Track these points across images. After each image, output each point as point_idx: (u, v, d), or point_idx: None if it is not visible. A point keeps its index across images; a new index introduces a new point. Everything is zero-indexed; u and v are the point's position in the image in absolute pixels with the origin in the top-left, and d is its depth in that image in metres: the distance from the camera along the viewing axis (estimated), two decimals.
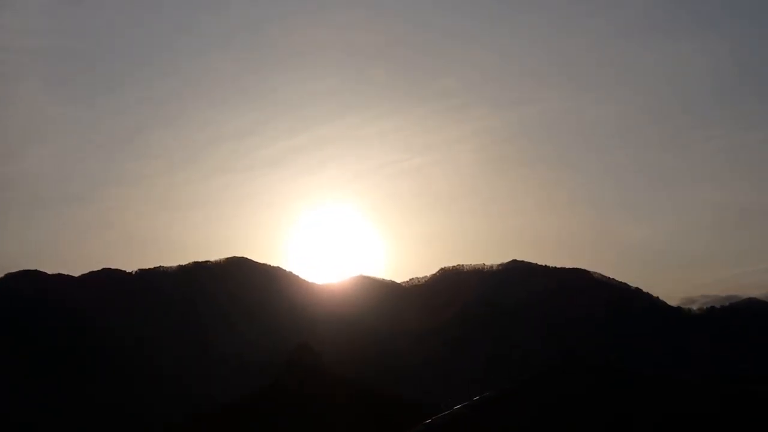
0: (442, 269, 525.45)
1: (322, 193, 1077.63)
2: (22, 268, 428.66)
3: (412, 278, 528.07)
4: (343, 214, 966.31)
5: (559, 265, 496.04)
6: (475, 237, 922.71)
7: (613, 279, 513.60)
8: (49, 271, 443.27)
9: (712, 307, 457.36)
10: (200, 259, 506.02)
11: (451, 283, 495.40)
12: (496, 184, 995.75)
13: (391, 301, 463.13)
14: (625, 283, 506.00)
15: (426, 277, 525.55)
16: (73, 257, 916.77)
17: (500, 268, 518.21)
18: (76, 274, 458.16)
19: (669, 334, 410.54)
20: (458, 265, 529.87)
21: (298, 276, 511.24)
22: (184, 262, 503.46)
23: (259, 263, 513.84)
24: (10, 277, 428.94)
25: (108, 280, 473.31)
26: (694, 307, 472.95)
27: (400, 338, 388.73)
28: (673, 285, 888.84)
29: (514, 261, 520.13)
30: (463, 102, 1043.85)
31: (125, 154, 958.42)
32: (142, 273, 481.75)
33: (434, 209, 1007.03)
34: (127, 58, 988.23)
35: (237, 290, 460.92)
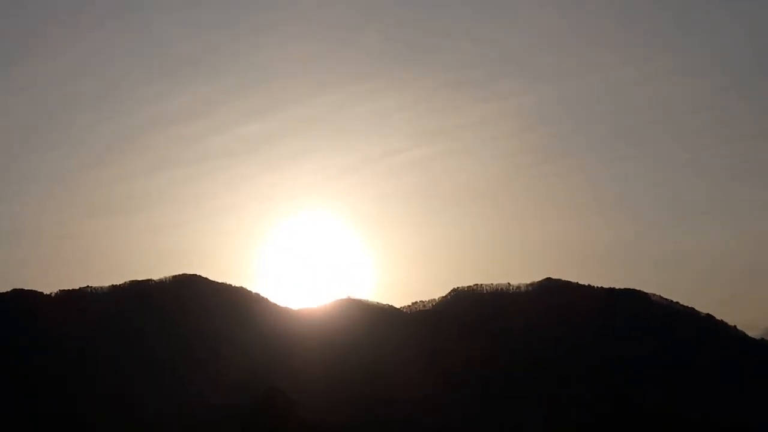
0: (454, 290, 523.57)
1: (298, 194, 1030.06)
2: None
3: (416, 302, 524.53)
4: (325, 222, 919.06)
5: (605, 284, 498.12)
6: (497, 249, 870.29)
7: (677, 303, 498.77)
8: None
9: None
10: (139, 278, 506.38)
11: (467, 308, 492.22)
12: (526, 181, 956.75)
13: (387, 330, 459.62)
14: (692, 308, 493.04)
15: (434, 300, 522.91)
16: None
17: (531, 288, 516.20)
18: None
19: (749, 371, 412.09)
20: (475, 285, 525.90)
21: (267, 299, 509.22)
22: (118, 281, 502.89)
23: (217, 283, 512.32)
24: None
25: (21, 303, 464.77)
26: None
27: (397, 378, 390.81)
28: (755, 311, 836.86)
29: (549, 279, 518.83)
30: (485, 73, 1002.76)
31: (30, 145, 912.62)
32: (65, 295, 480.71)
33: (444, 215, 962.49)
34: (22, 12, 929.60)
35: (189, 317, 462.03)
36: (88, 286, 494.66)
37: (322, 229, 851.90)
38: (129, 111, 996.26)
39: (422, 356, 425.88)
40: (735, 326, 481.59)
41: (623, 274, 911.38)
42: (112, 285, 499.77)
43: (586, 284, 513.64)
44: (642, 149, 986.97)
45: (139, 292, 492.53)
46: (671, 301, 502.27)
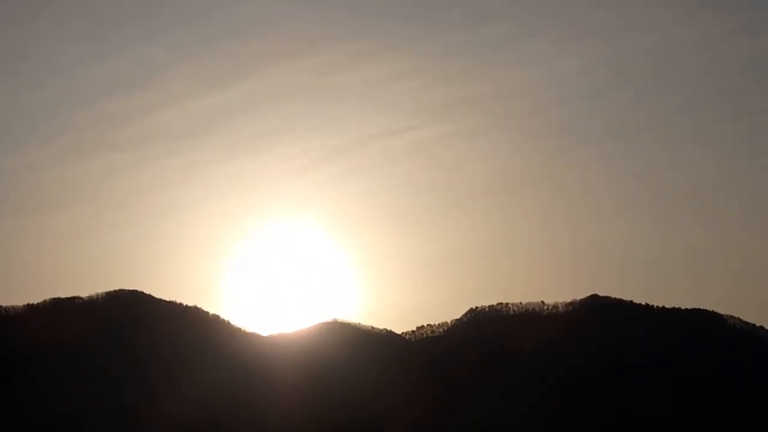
0: (471, 311, 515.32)
1: (270, 187, 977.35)
2: None
3: (422, 326, 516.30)
4: (304, 223, 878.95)
5: (668, 304, 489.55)
6: (526, 258, 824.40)
7: (761, 328, 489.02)
8: None
9: None
10: (62, 294, 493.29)
11: (488, 334, 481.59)
12: (562, 171, 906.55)
13: (382, 362, 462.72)
14: None
15: (446, 324, 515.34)
16: None
17: (571, 308, 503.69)
18: None
19: None
20: (499, 304, 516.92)
21: (229, 322, 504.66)
22: (35, 299, 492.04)
23: (164, 301, 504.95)
24: None
25: None
26: None
27: (394, 427, 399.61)
28: None
29: (595, 297, 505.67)
30: (509, 30, 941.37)
31: None
32: None
33: (457, 214, 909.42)
34: None
35: (128, 345, 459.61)
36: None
37: (300, 233, 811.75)
38: (45, 79, 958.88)
39: (429, 396, 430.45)
40: None
41: (691, 290, 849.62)
42: (27, 304, 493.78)
43: (643, 303, 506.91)
44: (719, 131, 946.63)
45: (63, 313, 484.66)
46: (754, 325, 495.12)
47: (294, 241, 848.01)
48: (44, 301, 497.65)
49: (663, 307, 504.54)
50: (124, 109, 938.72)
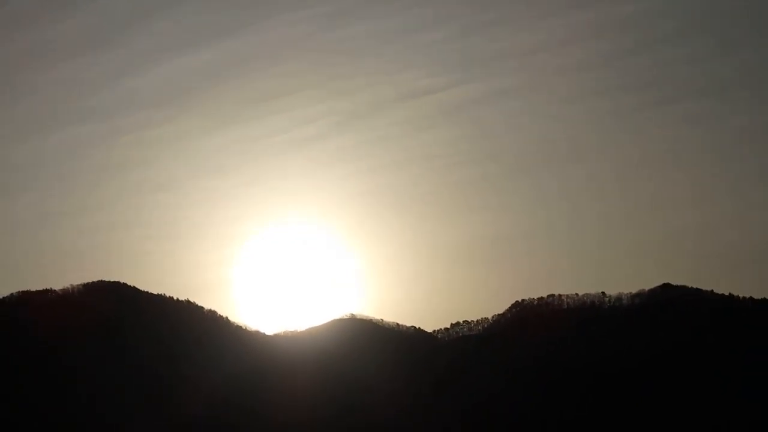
0: (517, 305, 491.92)
1: (270, 165, 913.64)
2: None
3: (457, 323, 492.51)
4: (315, 200, 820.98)
5: (749, 292, 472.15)
6: (582, 243, 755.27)
7: None
8: None
9: None
10: (33, 287, 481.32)
11: (538, 331, 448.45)
12: (620, 137, 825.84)
13: (408, 366, 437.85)
14: None
15: (486, 320, 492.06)
16: None
17: (638, 300, 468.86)
18: None
19: None
20: (550, 296, 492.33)
21: (227, 318, 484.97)
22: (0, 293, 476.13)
23: (151, 294, 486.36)
24: None
25: None
26: None
27: None
28: None
29: (667, 287, 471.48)
30: None
31: None
32: None
33: (496, 191, 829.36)
34: None
35: (110, 343, 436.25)
36: None
37: (307, 219, 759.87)
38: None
39: (463, 404, 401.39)
40: None
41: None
42: None
43: (727, 294, 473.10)
44: None
45: (33, 308, 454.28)
46: None
47: (299, 228, 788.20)
48: (10, 294, 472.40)
49: (751, 297, 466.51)
50: (91, 73, 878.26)
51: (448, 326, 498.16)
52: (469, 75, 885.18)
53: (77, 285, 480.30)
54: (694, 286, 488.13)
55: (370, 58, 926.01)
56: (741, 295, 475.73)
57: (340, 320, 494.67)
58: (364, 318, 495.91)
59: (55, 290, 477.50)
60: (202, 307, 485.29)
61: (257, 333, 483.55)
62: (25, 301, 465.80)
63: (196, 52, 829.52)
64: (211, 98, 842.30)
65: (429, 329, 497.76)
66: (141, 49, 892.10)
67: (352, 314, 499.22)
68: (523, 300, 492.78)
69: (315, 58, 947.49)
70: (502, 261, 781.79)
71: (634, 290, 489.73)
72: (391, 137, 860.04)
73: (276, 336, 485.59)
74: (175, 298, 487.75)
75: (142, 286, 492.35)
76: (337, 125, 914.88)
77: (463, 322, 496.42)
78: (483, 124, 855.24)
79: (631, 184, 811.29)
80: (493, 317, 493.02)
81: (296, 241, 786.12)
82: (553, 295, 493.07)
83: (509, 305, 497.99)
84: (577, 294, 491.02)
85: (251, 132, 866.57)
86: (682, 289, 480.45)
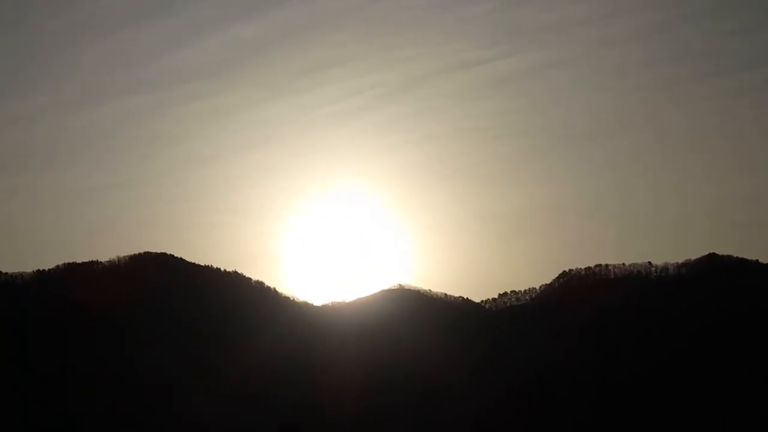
0: (564, 275, 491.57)
1: (316, 136, 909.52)
2: None
3: (505, 293, 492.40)
4: (361, 179, 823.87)
5: None
6: (627, 213, 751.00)
7: None
8: None
9: None
10: (78, 259, 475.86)
11: (584, 300, 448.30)
12: (670, 109, 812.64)
13: (455, 335, 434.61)
14: None
15: (533, 290, 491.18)
16: None
17: (684, 270, 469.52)
18: None
19: None
20: (597, 266, 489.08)
21: (275, 290, 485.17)
22: (46, 265, 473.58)
23: (198, 266, 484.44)
24: None
25: None
26: None
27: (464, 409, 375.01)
28: None
29: (713, 256, 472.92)
30: None
31: None
32: None
33: (545, 162, 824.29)
34: None
35: (157, 314, 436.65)
36: (0, 272, 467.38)
37: (356, 191, 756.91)
38: (44, 13, 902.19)
39: (515, 374, 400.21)
40: None
41: None
42: (37, 270, 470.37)
43: None
44: None
45: (79, 280, 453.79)
46: None
47: (347, 199, 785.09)
48: (57, 266, 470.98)
49: None
50: (140, 45, 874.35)
51: (496, 296, 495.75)
52: (517, 47, 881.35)
53: (123, 257, 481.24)
54: (740, 256, 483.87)
55: (418, 29, 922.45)
56: None
57: (389, 291, 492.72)
58: (412, 288, 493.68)
59: (101, 262, 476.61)
60: (249, 278, 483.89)
61: (305, 304, 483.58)
62: (71, 272, 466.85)
63: (245, 23, 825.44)
64: (259, 70, 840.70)
65: (477, 300, 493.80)
66: (190, 21, 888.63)
67: (400, 285, 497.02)
68: (570, 270, 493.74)
69: (364, 29, 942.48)
70: (549, 231, 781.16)
71: (680, 260, 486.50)
72: (439, 109, 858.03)
73: (324, 307, 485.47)
74: (222, 269, 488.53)
75: (190, 259, 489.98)
76: (386, 96, 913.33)
77: (511, 292, 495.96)
78: (531, 96, 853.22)
79: (678, 155, 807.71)
80: (540, 287, 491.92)
81: (344, 213, 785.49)
82: (600, 265, 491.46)
83: (556, 275, 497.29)
84: (623, 264, 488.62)
85: (299, 103, 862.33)
86: (728, 259, 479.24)
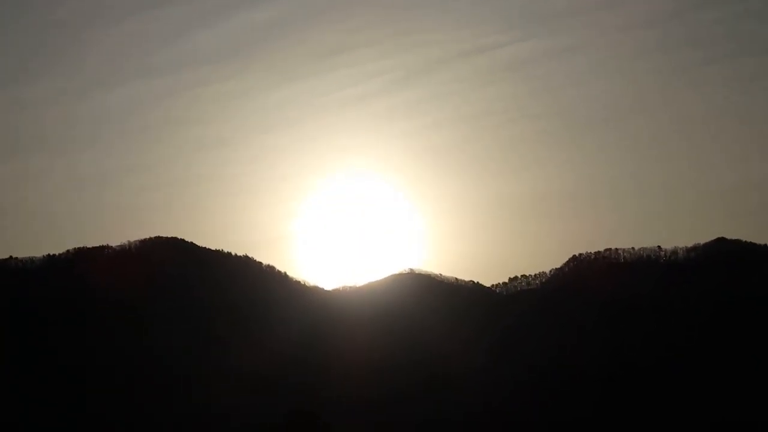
0: (574, 259, 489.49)
1: (331, 120, 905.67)
2: None
3: (515, 277, 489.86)
4: (373, 157, 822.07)
5: None
6: (637, 198, 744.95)
7: None
8: None
9: None
10: (88, 244, 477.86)
11: (594, 285, 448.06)
12: (681, 93, 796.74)
13: (466, 319, 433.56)
14: None
15: (543, 274, 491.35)
16: None
17: (693, 254, 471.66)
18: None
19: None
20: (607, 250, 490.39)
21: (285, 274, 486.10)
22: (56, 250, 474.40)
23: (209, 250, 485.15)
24: None
25: None
26: None
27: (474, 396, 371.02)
28: None
29: (721, 241, 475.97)
30: None
31: None
32: None
33: (557, 147, 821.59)
34: None
35: (167, 299, 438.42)
36: (10, 257, 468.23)
37: (369, 174, 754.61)
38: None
39: (527, 358, 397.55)
40: None
41: None
42: (48, 255, 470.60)
43: None
44: None
45: (90, 265, 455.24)
46: None
47: (358, 183, 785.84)
48: (67, 251, 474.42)
49: None
50: (155, 28, 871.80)
51: (506, 281, 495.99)
52: (532, 32, 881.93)
53: (134, 241, 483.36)
54: (749, 241, 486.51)
55: (434, 14, 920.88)
56: None
57: (399, 275, 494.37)
58: (423, 273, 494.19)
59: (111, 246, 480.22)
60: (260, 263, 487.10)
61: (316, 288, 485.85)
62: (82, 257, 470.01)
63: (261, 7, 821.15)
64: (274, 54, 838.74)
65: (487, 284, 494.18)
66: (205, 5, 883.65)
67: (411, 269, 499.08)
68: (580, 254, 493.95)
69: (378, 14, 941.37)
70: (559, 215, 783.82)
71: (689, 244, 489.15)
72: (452, 93, 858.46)
73: (335, 291, 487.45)
74: (233, 253, 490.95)
75: (201, 242, 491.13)
76: (400, 81, 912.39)
77: (521, 276, 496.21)
78: (544, 80, 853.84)
79: (689, 140, 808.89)
80: (550, 271, 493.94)
81: (355, 197, 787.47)
82: (609, 249, 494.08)
83: (566, 259, 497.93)
84: (633, 248, 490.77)
85: (313, 88, 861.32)
86: (737, 244, 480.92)
